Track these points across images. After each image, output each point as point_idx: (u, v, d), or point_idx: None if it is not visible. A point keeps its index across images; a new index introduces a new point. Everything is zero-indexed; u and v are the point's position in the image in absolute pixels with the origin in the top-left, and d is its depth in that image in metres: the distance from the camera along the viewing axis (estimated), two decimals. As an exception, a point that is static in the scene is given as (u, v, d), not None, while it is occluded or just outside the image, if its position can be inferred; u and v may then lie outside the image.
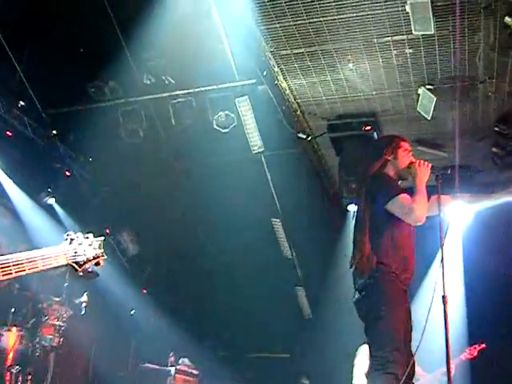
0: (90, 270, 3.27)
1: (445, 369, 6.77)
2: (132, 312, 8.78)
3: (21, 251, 2.97)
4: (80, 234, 3.19)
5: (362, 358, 6.21)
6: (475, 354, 7.09)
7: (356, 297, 4.39)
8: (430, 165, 4.32)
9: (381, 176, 4.53)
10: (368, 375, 4.22)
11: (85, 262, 3.18)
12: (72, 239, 3.17)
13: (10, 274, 2.91)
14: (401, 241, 4.36)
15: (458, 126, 7.83)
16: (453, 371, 6.69)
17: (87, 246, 3.20)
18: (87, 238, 3.23)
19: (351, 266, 4.48)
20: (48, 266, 3.04)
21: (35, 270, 2.99)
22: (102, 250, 3.26)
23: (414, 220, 4.25)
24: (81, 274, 3.19)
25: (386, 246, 4.30)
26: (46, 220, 7.84)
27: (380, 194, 4.37)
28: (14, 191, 7.64)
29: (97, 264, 3.25)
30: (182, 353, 9.01)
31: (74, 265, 3.15)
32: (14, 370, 5.85)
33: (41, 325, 6.38)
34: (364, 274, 4.29)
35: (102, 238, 3.29)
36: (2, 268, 2.88)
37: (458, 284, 8.79)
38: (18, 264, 2.93)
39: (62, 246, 3.13)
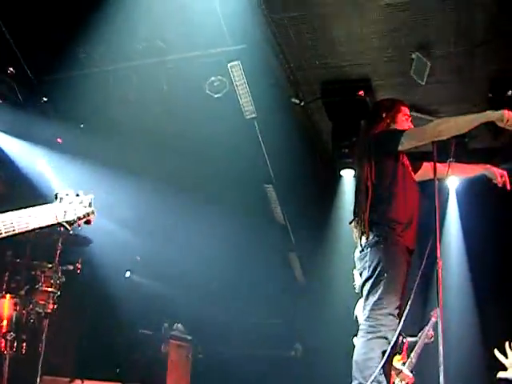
0: (80, 227, 3.24)
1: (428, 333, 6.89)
2: (127, 275, 8.79)
3: None
4: (70, 192, 3.15)
5: None
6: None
7: (358, 255, 4.40)
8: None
9: (382, 132, 4.54)
10: (358, 336, 4.24)
11: (75, 221, 3.15)
12: (62, 198, 3.13)
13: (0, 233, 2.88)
14: (409, 197, 4.37)
15: (452, 92, 7.83)
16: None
17: (77, 205, 3.17)
18: (77, 195, 3.20)
19: (351, 223, 4.48)
20: (38, 225, 3.01)
21: (25, 229, 2.95)
22: (93, 208, 3.24)
23: (438, 132, 4.20)
24: (71, 233, 3.17)
25: (396, 202, 4.29)
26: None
27: (387, 144, 4.36)
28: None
29: (87, 222, 3.22)
30: (175, 319, 9.06)
31: (65, 224, 3.12)
32: (8, 337, 5.85)
33: (34, 292, 6.37)
34: (367, 231, 4.29)
35: (92, 195, 3.26)
36: None
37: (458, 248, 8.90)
38: (6, 224, 2.89)
39: (52, 204, 3.10)
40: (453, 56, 7.14)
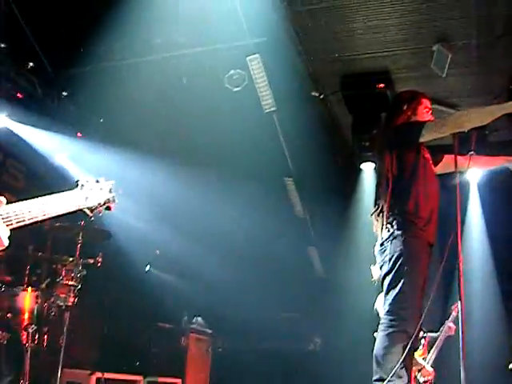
0: (101, 214, 3.24)
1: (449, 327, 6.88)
2: (147, 268, 8.82)
3: None
4: (91, 179, 3.16)
5: None
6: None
7: (378, 248, 4.38)
8: None
9: (403, 124, 4.51)
10: (379, 330, 4.22)
11: (96, 207, 3.16)
12: (82, 185, 3.14)
13: (24, 220, 2.88)
14: (430, 190, 4.35)
15: (473, 84, 7.76)
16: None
17: (98, 191, 3.18)
18: (98, 182, 3.21)
19: (372, 215, 4.47)
20: (60, 212, 3.02)
21: (48, 216, 2.96)
22: (114, 194, 3.24)
23: (459, 123, 4.16)
24: (92, 219, 3.16)
25: (417, 194, 4.27)
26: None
27: (408, 136, 4.34)
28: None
29: (108, 209, 3.23)
30: (195, 312, 9.09)
31: (86, 210, 3.13)
32: (30, 330, 5.89)
33: (55, 285, 6.40)
34: (388, 224, 4.27)
35: (113, 181, 3.26)
36: (16, 215, 2.85)
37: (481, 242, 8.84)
38: (30, 211, 2.90)
39: (73, 191, 3.11)
40: (473, 48, 7.07)
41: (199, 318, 9.08)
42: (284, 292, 9.68)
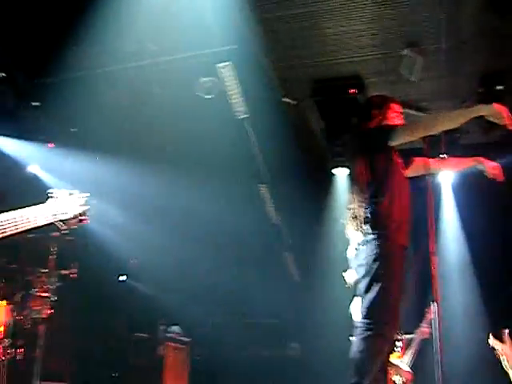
0: (75, 227, 3.20)
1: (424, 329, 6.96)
2: (123, 278, 8.78)
3: None
4: (64, 191, 3.12)
5: None
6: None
7: (352, 252, 4.40)
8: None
9: (373, 129, 4.54)
10: (355, 334, 4.23)
11: (69, 221, 3.12)
12: (55, 197, 3.10)
13: None
14: (402, 193, 4.38)
15: (442, 88, 7.85)
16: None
17: (71, 204, 3.13)
18: (71, 194, 3.16)
19: (344, 219, 4.49)
20: (32, 226, 2.97)
21: (20, 230, 2.92)
22: (88, 207, 3.20)
23: (429, 127, 4.21)
24: (66, 233, 3.12)
25: (389, 198, 4.29)
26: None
27: (379, 140, 4.37)
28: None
29: (81, 221, 3.19)
30: (172, 321, 9.04)
31: (59, 224, 3.09)
32: (5, 343, 5.83)
33: (29, 297, 6.35)
34: (362, 229, 4.29)
35: (87, 194, 3.22)
36: None
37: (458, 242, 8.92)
38: (1, 225, 2.85)
39: (45, 204, 3.06)
40: (442, 52, 7.15)
41: (176, 327, 9.03)
42: (261, 298, 9.67)
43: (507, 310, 8.13)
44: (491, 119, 4.07)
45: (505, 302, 8.35)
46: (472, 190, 8.37)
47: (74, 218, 3.13)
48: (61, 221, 3.09)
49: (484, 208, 8.56)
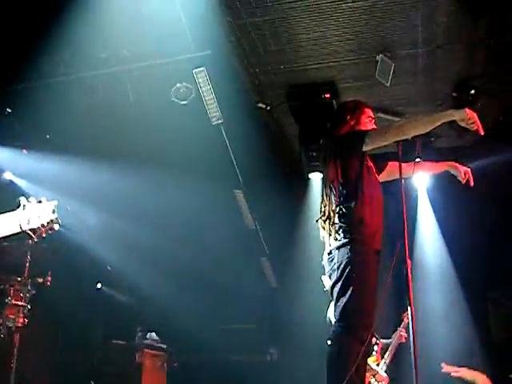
0: (44, 236, 3.17)
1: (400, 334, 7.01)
2: (98, 286, 8.72)
3: None
4: (33, 199, 3.08)
5: None
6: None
7: (326, 258, 4.41)
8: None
9: (346, 134, 4.57)
10: (332, 338, 4.24)
11: (39, 229, 3.09)
12: (24, 205, 3.06)
13: None
14: (375, 197, 4.40)
15: (417, 92, 7.91)
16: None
17: (41, 211, 3.09)
18: (40, 202, 3.13)
19: (317, 221, 4.50)
20: (2, 234, 2.94)
21: None
22: (56, 216, 3.17)
23: (401, 131, 4.24)
24: (36, 241, 3.08)
25: (362, 202, 4.32)
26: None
27: (352, 145, 4.39)
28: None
29: (51, 229, 3.16)
30: (149, 327, 9.00)
31: (29, 232, 3.05)
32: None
33: (4, 306, 6.29)
34: (334, 233, 4.31)
35: (56, 202, 3.19)
36: None
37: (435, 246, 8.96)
38: None
39: (14, 213, 3.03)
40: (416, 57, 7.21)
41: (153, 334, 8.98)
42: (238, 303, 9.66)
43: (486, 311, 8.22)
44: (463, 124, 4.11)
45: (483, 303, 8.44)
46: (448, 192, 8.42)
47: (43, 226, 3.10)
48: (30, 230, 3.05)
49: (461, 210, 8.61)
